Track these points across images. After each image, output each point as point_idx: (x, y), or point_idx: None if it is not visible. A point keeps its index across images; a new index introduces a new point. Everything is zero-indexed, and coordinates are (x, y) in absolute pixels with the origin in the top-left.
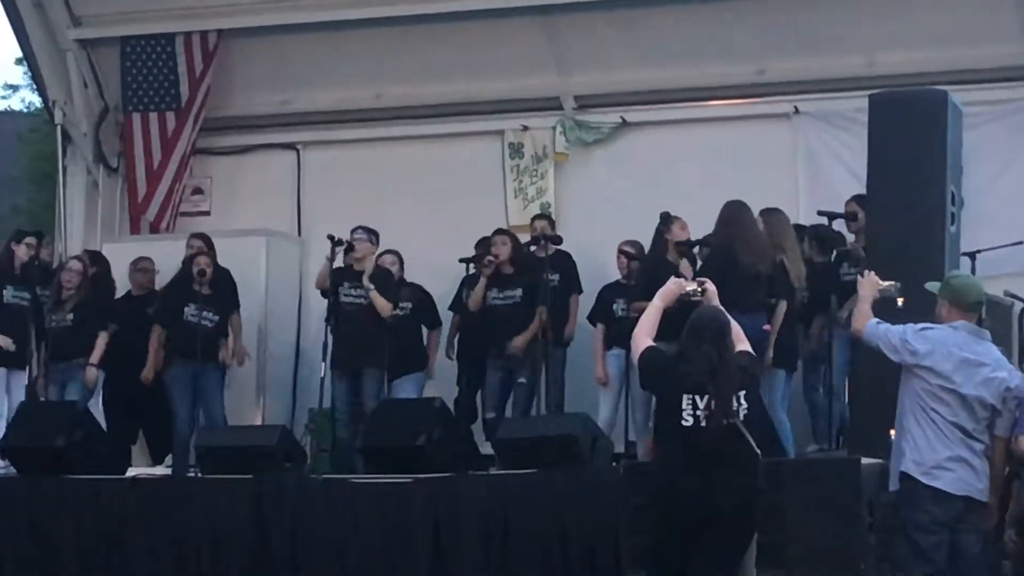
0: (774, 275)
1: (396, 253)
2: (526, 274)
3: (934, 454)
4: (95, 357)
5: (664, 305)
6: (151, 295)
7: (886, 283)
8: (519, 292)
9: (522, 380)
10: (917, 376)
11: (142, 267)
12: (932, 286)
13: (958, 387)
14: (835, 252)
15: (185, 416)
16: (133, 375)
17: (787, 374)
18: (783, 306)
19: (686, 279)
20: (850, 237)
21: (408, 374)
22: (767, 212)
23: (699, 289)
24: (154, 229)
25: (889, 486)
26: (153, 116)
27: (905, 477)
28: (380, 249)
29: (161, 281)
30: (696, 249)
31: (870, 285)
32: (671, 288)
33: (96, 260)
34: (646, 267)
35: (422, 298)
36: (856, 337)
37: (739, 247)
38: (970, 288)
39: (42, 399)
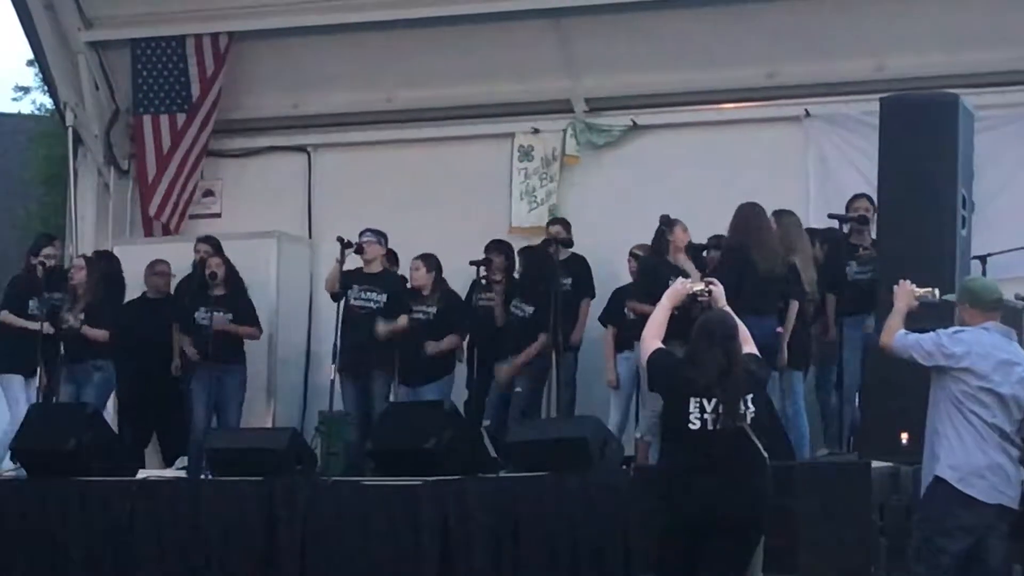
0: (787, 277)
1: (425, 258)
2: (540, 288)
3: (972, 460)
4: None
5: (672, 306)
6: (167, 298)
7: (923, 289)
8: (531, 309)
9: (518, 389)
10: (954, 379)
11: (159, 270)
12: (951, 297)
13: (997, 387)
14: (833, 252)
15: (202, 419)
16: (147, 377)
17: (803, 375)
18: (795, 307)
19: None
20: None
21: (433, 381)
22: (779, 214)
23: (706, 289)
24: (166, 231)
25: (920, 493)
26: (164, 118)
27: (939, 481)
28: (401, 261)
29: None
30: (705, 252)
31: (906, 295)
32: (678, 288)
33: (107, 260)
34: (645, 269)
35: (450, 303)
36: (885, 351)
37: (753, 249)
38: (987, 287)
39: (58, 400)
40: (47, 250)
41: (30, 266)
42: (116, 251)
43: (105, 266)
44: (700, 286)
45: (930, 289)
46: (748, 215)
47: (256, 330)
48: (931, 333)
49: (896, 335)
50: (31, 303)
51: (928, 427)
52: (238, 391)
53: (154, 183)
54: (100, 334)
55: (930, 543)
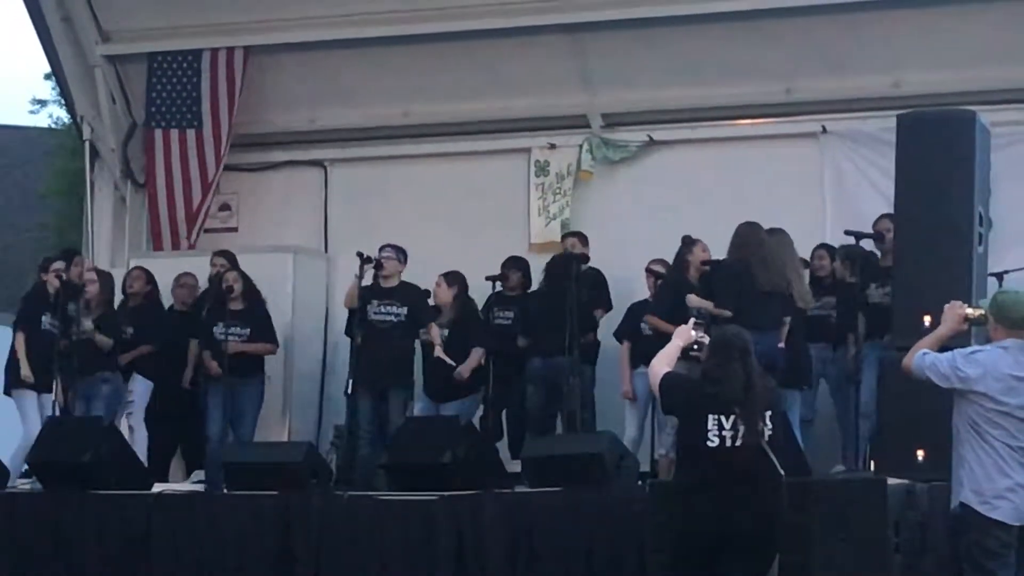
0: (788, 294)
1: (447, 276)
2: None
3: (992, 483)
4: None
5: (682, 345)
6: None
7: (975, 312)
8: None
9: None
10: (970, 402)
11: (184, 282)
12: (983, 303)
13: (1013, 409)
14: (861, 272)
15: (218, 432)
16: (174, 389)
17: (800, 392)
18: (785, 325)
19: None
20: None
21: (456, 399)
22: (769, 232)
23: (701, 344)
24: (175, 246)
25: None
26: (174, 132)
27: (964, 507)
28: (416, 275)
29: None
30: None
31: (955, 319)
32: (689, 332)
33: (149, 280)
34: (667, 288)
35: (466, 318)
36: (906, 373)
37: (756, 267)
38: (1014, 304)
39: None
40: (56, 264)
41: (40, 282)
42: (132, 265)
43: (142, 286)
44: (701, 337)
45: (983, 311)
46: (747, 233)
47: (272, 346)
48: (948, 353)
49: (915, 355)
50: (44, 319)
51: (953, 451)
52: (254, 404)
53: (163, 197)
54: (107, 342)
55: (979, 565)
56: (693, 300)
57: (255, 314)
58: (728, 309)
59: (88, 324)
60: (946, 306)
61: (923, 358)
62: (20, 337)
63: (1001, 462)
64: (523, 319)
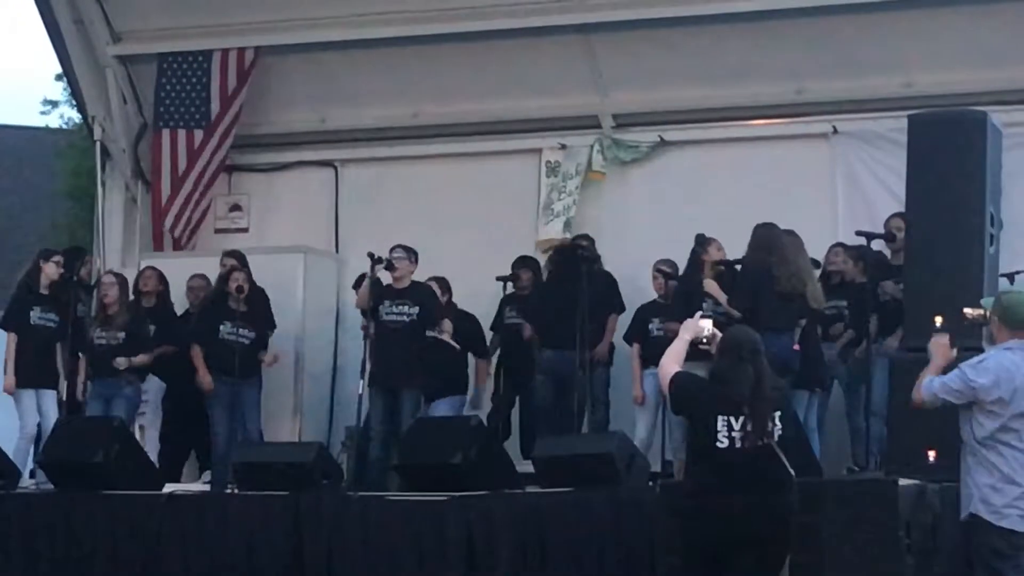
0: (804, 295)
1: (439, 281)
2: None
3: (1000, 494)
4: (138, 360)
5: (690, 339)
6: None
7: (975, 311)
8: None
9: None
10: (983, 412)
11: (190, 284)
12: (987, 302)
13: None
14: (872, 271)
15: (224, 432)
16: (187, 391)
17: (811, 394)
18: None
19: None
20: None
21: (447, 396)
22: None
23: (709, 336)
24: (176, 246)
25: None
26: (181, 133)
27: (975, 517)
28: (426, 276)
29: None
30: (738, 267)
31: (943, 353)
32: (698, 325)
33: (161, 279)
34: (682, 289)
35: (470, 327)
36: (917, 407)
37: (777, 268)
38: (1020, 305)
39: (86, 414)
40: (55, 257)
41: (31, 272)
42: (144, 265)
43: (155, 285)
44: (709, 330)
45: (981, 312)
46: (765, 234)
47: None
48: (955, 371)
49: (923, 385)
50: (32, 314)
51: (961, 461)
52: (257, 402)
53: (167, 197)
54: (144, 360)
55: (989, 567)
56: (710, 286)
57: (260, 318)
58: (740, 310)
59: (116, 336)
60: (930, 344)
61: (931, 384)
62: (11, 339)
63: (1009, 470)
64: (529, 309)
